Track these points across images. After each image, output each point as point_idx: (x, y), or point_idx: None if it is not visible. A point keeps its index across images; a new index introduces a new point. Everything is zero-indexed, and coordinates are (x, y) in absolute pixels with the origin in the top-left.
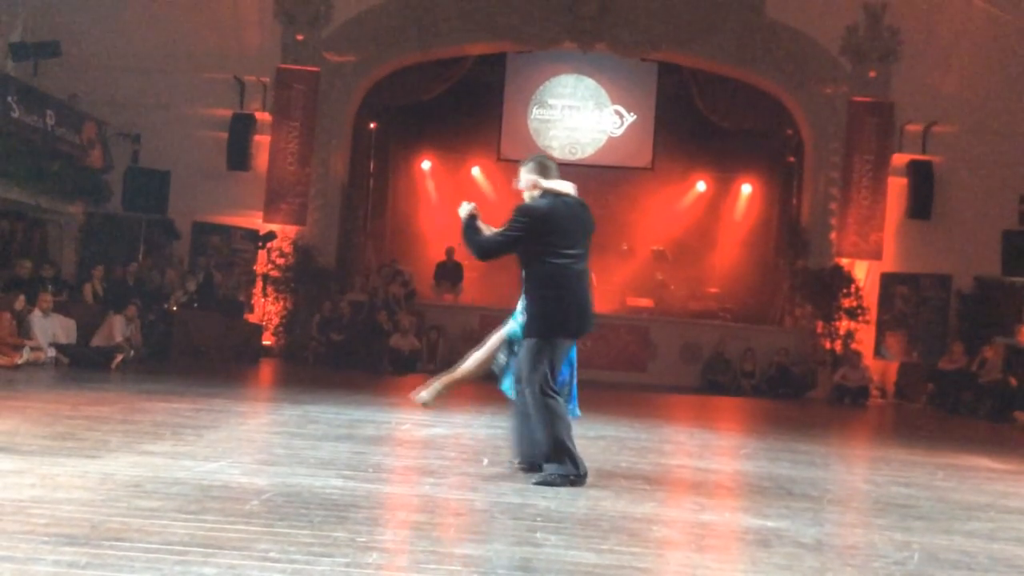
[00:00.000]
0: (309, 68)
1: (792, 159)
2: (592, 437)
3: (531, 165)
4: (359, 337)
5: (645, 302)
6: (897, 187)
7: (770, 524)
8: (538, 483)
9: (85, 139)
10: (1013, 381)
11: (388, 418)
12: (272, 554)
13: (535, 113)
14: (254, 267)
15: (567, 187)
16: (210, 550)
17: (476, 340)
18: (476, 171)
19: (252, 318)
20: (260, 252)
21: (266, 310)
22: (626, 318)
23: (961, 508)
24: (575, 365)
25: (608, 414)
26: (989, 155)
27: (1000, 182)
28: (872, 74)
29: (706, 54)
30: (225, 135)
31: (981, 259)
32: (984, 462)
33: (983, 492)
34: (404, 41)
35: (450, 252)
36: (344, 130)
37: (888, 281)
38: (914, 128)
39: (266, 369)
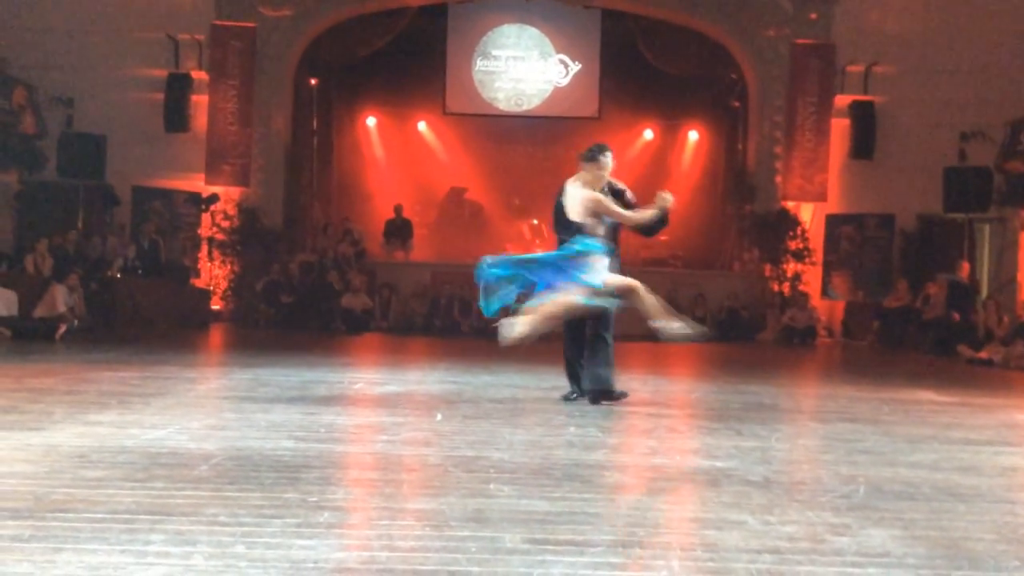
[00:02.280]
0: (245, 24)
1: (737, 104)
2: (546, 388)
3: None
4: (310, 298)
5: None
6: (840, 128)
7: (719, 465)
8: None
9: (15, 105)
10: (956, 316)
11: (340, 378)
12: (221, 518)
13: (479, 65)
14: (198, 231)
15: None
16: (157, 517)
17: (428, 296)
18: (422, 126)
19: (199, 283)
20: (204, 215)
21: (213, 274)
22: None
23: (905, 441)
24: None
25: (561, 364)
26: (929, 94)
27: (941, 120)
28: (813, 16)
29: None
30: (161, 96)
31: (923, 197)
32: (928, 395)
33: (927, 424)
34: None
35: (399, 209)
36: (284, 87)
37: (833, 222)
38: (856, 69)
39: (215, 334)
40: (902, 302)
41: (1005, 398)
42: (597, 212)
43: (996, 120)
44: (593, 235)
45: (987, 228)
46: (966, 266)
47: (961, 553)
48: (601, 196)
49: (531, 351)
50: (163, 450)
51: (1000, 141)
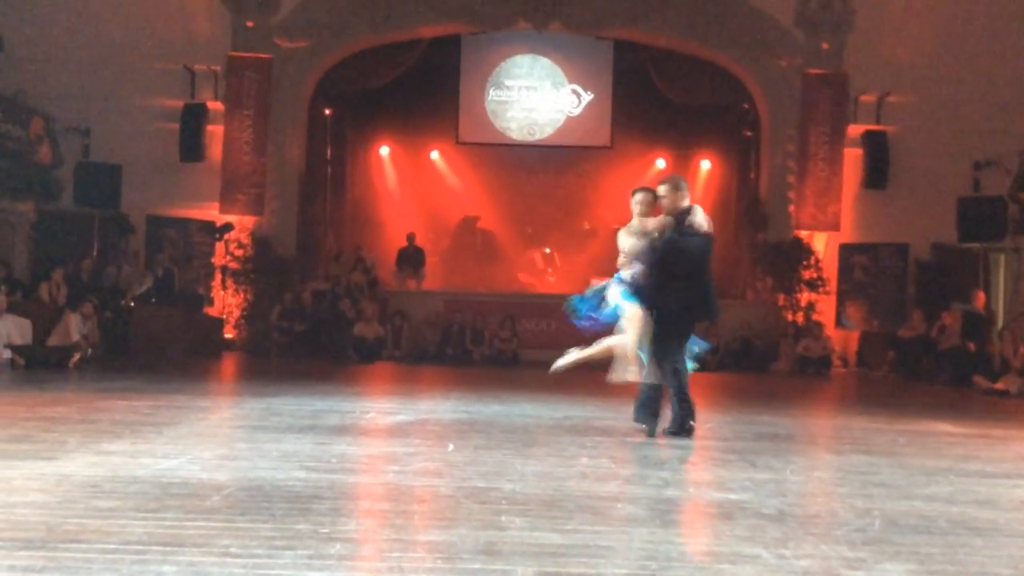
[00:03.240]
0: (260, 55)
1: (749, 133)
2: (558, 418)
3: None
4: (322, 326)
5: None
6: (853, 158)
7: (733, 497)
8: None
9: (33, 135)
10: (971, 346)
11: (353, 407)
12: (232, 549)
13: (492, 95)
14: (212, 260)
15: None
16: (169, 548)
17: (440, 325)
18: (435, 155)
19: (212, 311)
20: (218, 244)
21: (226, 303)
22: None
23: (921, 473)
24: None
25: (573, 394)
26: (943, 123)
27: (954, 149)
28: (825, 46)
29: (660, 30)
30: (177, 126)
31: (937, 227)
32: (944, 427)
33: (943, 456)
34: (356, 25)
35: (411, 238)
36: (299, 117)
37: (847, 251)
38: (868, 99)
39: (228, 363)
40: (917, 332)
41: (1022, 430)
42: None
43: (1010, 149)
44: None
45: (1002, 257)
46: (981, 296)
47: None
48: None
49: (544, 381)
50: (175, 480)
51: (1014, 170)
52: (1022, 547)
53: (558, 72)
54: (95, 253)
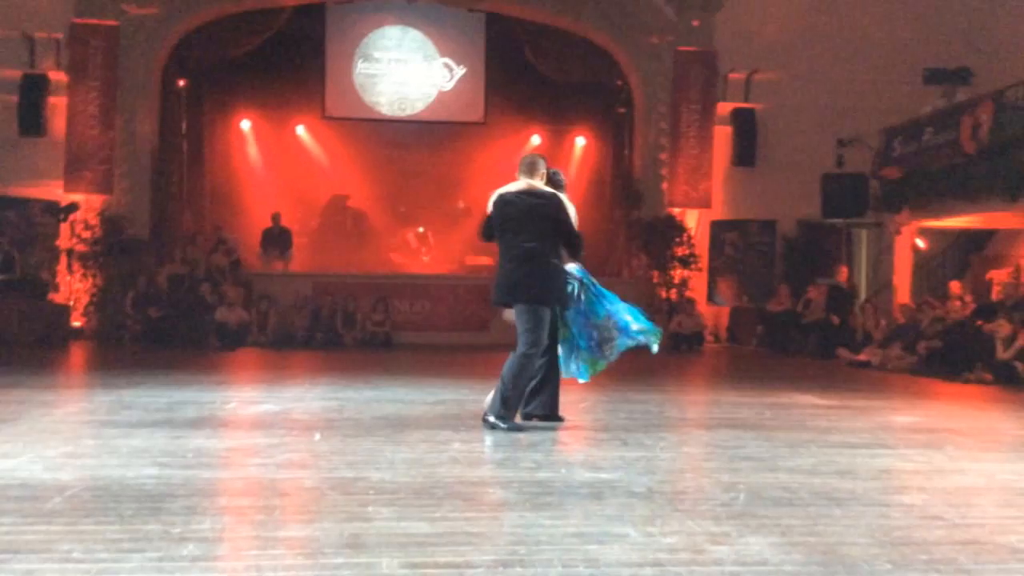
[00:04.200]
0: (107, 22)
1: (623, 110)
2: (431, 402)
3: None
4: (180, 312)
5: (485, 260)
6: (723, 135)
7: (604, 476)
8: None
9: None
10: (835, 319)
11: (212, 398)
12: (75, 554)
13: (360, 67)
14: (57, 242)
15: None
16: (4, 555)
17: (309, 308)
18: (301, 130)
19: (58, 298)
20: (62, 225)
21: (73, 288)
22: (465, 278)
23: (785, 445)
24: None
25: (448, 376)
26: (808, 101)
27: (818, 127)
28: (695, 23)
29: (532, 4)
30: (15, 98)
31: (803, 203)
32: (809, 399)
33: (807, 428)
34: None
35: (276, 217)
36: (151, 89)
37: (717, 228)
38: (737, 76)
39: (76, 353)
40: (784, 307)
41: (882, 400)
42: None
43: (872, 127)
44: None
45: (864, 233)
46: (844, 270)
47: (836, 558)
48: None
49: (418, 364)
50: (13, 482)
51: (876, 147)
52: (879, 516)
53: (429, 45)
54: None
